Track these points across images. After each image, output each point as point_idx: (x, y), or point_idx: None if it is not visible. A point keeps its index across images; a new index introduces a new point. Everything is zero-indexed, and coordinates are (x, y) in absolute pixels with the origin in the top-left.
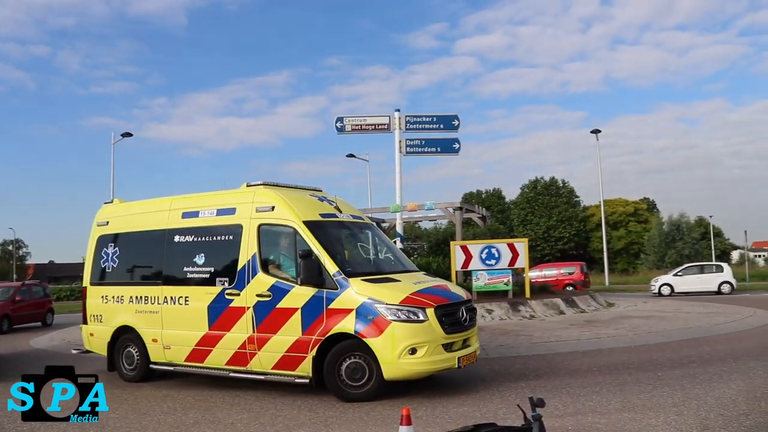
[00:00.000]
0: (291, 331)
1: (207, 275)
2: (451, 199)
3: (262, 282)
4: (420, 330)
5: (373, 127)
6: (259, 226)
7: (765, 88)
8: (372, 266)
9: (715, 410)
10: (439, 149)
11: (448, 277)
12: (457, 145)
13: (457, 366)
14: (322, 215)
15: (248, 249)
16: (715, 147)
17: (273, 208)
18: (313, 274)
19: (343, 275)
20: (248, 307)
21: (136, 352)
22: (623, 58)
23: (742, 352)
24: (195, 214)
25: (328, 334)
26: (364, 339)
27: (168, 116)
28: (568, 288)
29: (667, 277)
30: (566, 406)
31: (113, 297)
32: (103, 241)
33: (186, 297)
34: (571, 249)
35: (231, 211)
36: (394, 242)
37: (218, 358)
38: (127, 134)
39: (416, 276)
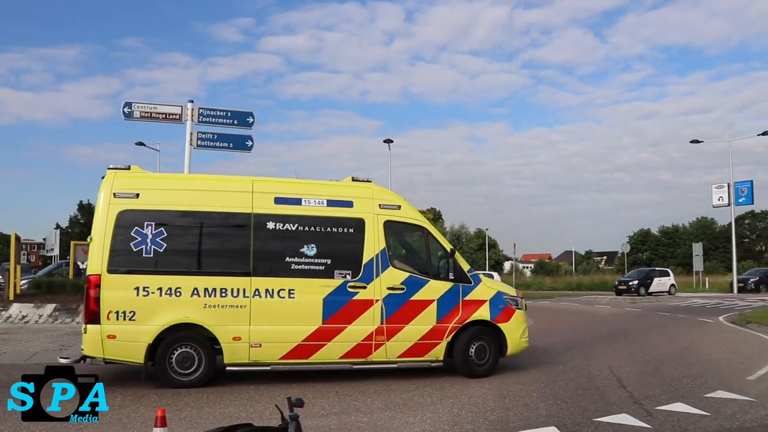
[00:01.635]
0: (425, 321)
1: (321, 267)
2: None
3: (394, 275)
4: (525, 316)
5: (164, 116)
6: (386, 222)
7: (540, 117)
8: None
9: (466, 407)
10: (231, 145)
11: None
12: (249, 143)
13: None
14: None
15: (375, 243)
16: (497, 166)
17: (400, 207)
18: (458, 271)
19: (474, 272)
20: (377, 300)
21: (197, 354)
22: (421, 74)
23: None
24: (296, 202)
25: (465, 322)
26: (498, 324)
27: None
28: None
29: None
30: (332, 405)
31: (160, 289)
32: (130, 218)
33: (291, 290)
34: None
35: (347, 204)
36: None
37: (332, 352)
38: None
39: None
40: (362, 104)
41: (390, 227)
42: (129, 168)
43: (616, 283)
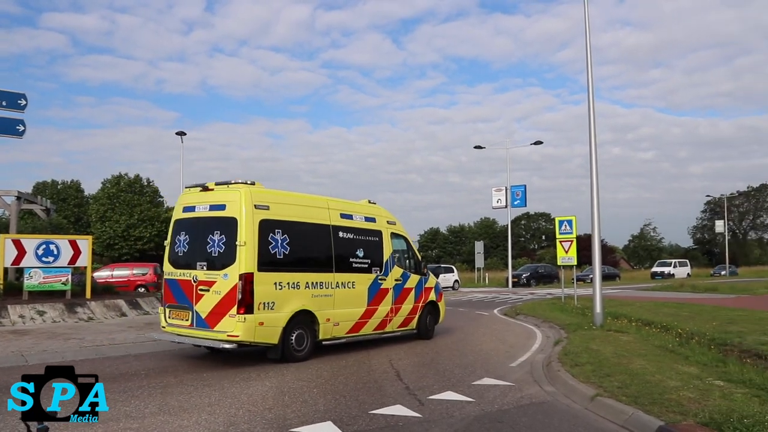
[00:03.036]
0: (410, 302)
1: (366, 265)
2: (22, 187)
3: (397, 271)
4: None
5: None
6: (391, 233)
7: (338, 117)
8: None
9: (245, 407)
10: None
11: None
12: (21, 128)
13: None
14: None
15: (388, 248)
16: (295, 163)
17: (395, 223)
18: (425, 268)
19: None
20: (390, 288)
21: (305, 334)
22: (220, 66)
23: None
24: (350, 217)
25: (426, 302)
26: (437, 303)
27: None
28: (139, 289)
29: None
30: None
31: (288, 283)
32: (267, 226)
33: (353, 282)
34: (151, 249)
35: (373, 220)
36: None
37: (369, 327)
38: None
39: None
40: (158, 94)
41: (392, 237)
42: (254, 183)
43: None
